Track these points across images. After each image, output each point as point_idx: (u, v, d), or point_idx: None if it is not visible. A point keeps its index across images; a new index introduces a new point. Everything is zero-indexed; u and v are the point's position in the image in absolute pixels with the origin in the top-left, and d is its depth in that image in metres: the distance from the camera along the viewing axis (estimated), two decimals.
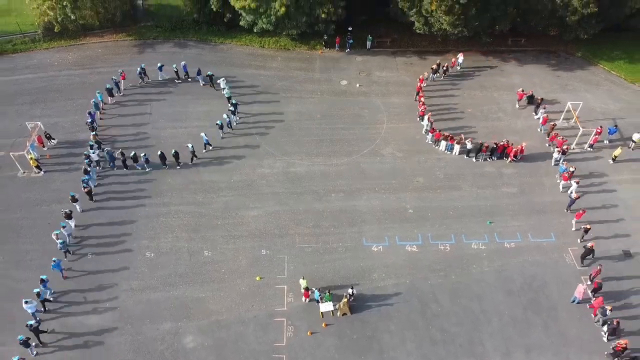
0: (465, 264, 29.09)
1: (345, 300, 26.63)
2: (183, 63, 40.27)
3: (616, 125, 35.91)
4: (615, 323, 25.19)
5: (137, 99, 39.34)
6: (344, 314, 26.72)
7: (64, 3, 40.67)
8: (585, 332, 26.11)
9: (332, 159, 35.10)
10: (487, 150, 34.32)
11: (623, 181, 33.41)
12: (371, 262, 29.16)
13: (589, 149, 35.37)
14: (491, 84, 41.12)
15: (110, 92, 38.43)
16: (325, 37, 43.71)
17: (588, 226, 29.32)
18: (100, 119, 37.36)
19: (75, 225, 30.69)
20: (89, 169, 32.75)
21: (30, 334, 25.21)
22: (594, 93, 40.02)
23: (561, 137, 34.59)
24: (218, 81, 38.94)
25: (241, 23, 42.94)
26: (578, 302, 27.08)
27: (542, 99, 37.75)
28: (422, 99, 37.54)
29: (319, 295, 26.70)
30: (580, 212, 30.25)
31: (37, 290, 26.53)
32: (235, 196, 32.70)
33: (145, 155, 33.51)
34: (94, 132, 35.13)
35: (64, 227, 29.65)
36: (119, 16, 45.21)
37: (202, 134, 34.98)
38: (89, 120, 35.86)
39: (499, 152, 34.46)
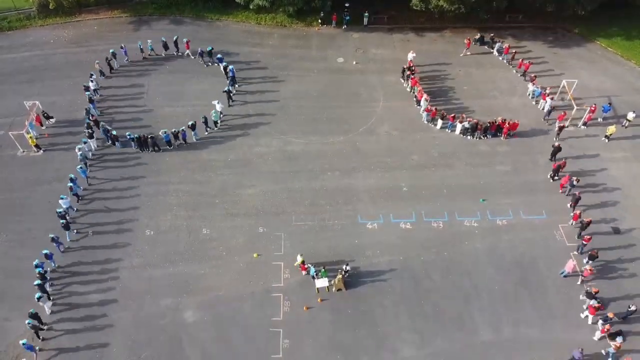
0: (457, 241, 29.78)
1: (340, 276, 27.40)
2: (175, 37, 40.47)
3: (610, 104, 36.16)
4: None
5: (135, 70, 39.61)
6: (339, 290, 27.54)
7: None
8: (571, 307, 26.98)
9: (328, 137, 35.46)
10: (481, 129, 34.63)
11: (615, 159, 33.87)
12: (366, 240, 29.85)
13: (583, 126, 35.71)
14: (487, 60, 41.17)
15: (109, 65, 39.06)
16: (322, 14, 43.50)
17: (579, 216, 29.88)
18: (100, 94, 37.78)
19: (78, 199, 31.45)
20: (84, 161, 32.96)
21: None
22: (589, 70, 40.12)
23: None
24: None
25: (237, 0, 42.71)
26: (565, 276, 27.89)
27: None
28: (419, 87, 37.39)
29: (315, 271, 27.47)
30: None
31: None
32: (233, 175, 33.19)
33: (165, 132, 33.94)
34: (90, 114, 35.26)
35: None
36: None
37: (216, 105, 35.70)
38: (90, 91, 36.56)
39: (493, 130, 34.81)
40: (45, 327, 26.26)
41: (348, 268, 27.65)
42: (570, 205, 30.69)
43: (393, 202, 31.67)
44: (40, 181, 32.78)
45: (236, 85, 38.07)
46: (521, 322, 26.50)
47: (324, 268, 27.49)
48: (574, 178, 31.15)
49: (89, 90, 36.01)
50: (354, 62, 40.99)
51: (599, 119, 35.96)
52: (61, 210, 29.73)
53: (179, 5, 45.72)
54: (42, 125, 35.62)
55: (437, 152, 34.55)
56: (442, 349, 25.67)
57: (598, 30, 43.51)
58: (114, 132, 34.07)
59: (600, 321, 25.57)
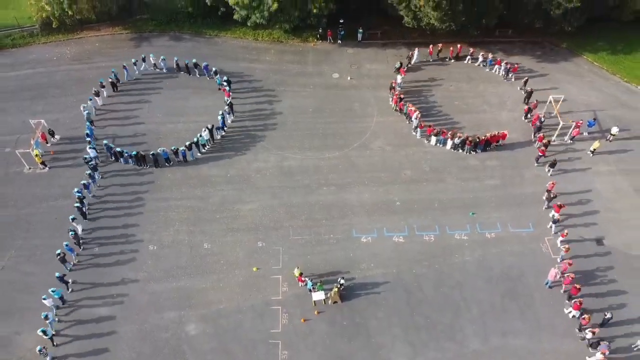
0: (448, 254, 31.12)
1: (335, 289, 28.68)
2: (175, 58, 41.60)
3: (595, 119, 37.53)
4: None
5: (136, 88, 40.89)
6: (335, 302, 28.83)
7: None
8: (557, 318, 28.33)
9: (324, 152, 36.75)
10: (471, 144, 35.96)
11: (600, 173, 35.22)
12: (360, 253, 31.15)
13: (569, 141, 37.08)
14: (478, 75, 42.53)
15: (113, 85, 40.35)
16: (320, 31, 44.80)
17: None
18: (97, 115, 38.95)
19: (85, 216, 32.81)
20: (93, 174, 34.39)
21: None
22: (576, 84, 41.51)
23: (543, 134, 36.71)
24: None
25: (235, 17, 43.89)
26: (550, 286, 29.30)
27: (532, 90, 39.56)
28: (408, 103, 38.56)
29: (312, 285, 28.75)
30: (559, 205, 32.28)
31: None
32: (232, 190, 34.45)
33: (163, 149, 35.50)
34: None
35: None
36: (115, 10, 45.99)
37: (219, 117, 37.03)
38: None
39: (482, 144, 36.16)
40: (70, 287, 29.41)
41: (342, 281, 28.94)
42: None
43: (386, 216, 32.98)
44: (46, 197, 33.98)
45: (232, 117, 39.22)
46: (509, 333, 27.84)
47: (320, 282, 28.77)
48: (542, 116, 36.17)
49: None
50: (349, 78, 42.31)
51: (584, 134, 37.32)
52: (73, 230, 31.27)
53: (178, 22, 46.95)
54: (47, 142, 36.79)
55: (429, 166, 35.88)
56: (434, 358, 26.99)
57: (585, 44, 44.91)
58: (118, 149, 35.23)
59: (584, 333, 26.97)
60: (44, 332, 26.79)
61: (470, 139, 35.96)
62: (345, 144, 37.33)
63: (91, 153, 35.01)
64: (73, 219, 31.58)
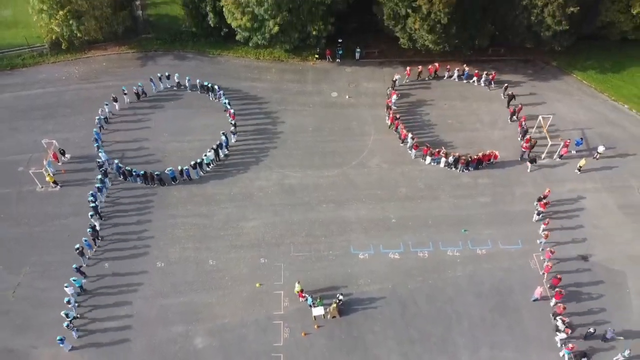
0: (441, 270, 32.80)
1: (334, 304, 30.35)
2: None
3: (582, 138, 39.23)
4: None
5: (143, 107, 42.60)
6: (334, 317, 30.51)
7: (70, 22, 43.12)
8: (543, 331, 30.02)
9: (323, 170, 38.43)
10: (464, 163, 37.63)
11: (586, 190, 36.94)
12: (358, 269, 32.83)
13: (558, 159, 38.76)
14: (471, 94, 44.21)
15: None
16: (319, 50, 46.51)
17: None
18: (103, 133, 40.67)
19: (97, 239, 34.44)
20: (104, 179, 36.58)
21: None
22: (565, 103, 43.21)
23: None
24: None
25: (237, 37, 45.58)
26: (535, 300, 31.04)
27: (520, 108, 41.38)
28: (401, 125, 40.24)
29: (312, 301, 30.43)
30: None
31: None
32: (236, 208, 36.12)
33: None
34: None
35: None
36: (121, 30, 47.61)
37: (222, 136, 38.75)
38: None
39: (474, 162, 37.83)
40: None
41: (341, 297, 30.60)
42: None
43: (383, 233, 34.65)
44: (58, 215, 35.64)
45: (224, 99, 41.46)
46: (497, 345, 29.53)
47: (319, 298, 30.44)
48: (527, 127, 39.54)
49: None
50: (347, 97, 44.00)
51: (572, 152, 38.99)
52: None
53: (182, 41, 48.65)
54: (58, 161, 38.43)
55: (423, 184, 37.55)
56: None
57: (575, 63, 46.60)
58: (128, 168, 36.87)
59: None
60: (67, 314, 29.59)
61: (463, 158, 37.62)
62: (343, 162, 39.01)
63: (102, 157, 37.12)
64: (92, 215, 34.09)
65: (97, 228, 34.31)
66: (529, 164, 37.78)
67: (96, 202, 34.91)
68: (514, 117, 41.13)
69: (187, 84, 43.67)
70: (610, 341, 29.02)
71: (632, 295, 31.35)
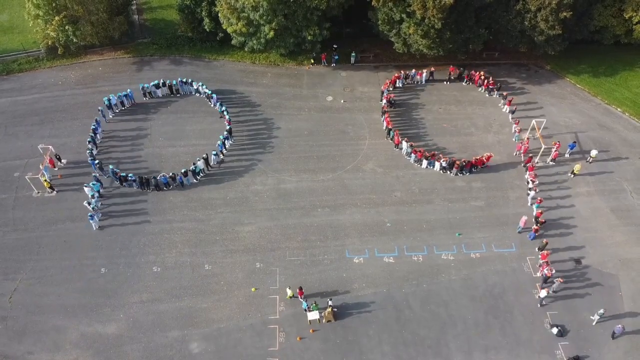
0: (435, 273, 33.06)
1: (329, 309, 30.58)
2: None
3: (575, 142, 39.56)
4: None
5: (138, 111, 42.79)
6: (329, 321, 30.73)
7: (66, 27, 43.28)
8: (536, 334, 30.31)
9: (318, 175, 38.66)
10: (458, 167, 37.92)
11: (579, 193, 37.26)
12: (353, 273, 33.06)
13: (551, 162, 39.08)
14: (466, 98, 44.52)
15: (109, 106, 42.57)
16: (314, 55, 46.75)
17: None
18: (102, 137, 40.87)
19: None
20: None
21: None
22: (558, 106, 43.56)
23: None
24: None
25: (233, 42, 45.83)
26: (520, 231, 33.96)
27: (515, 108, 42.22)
28: (396, 131, 40.50)
29: (307, 305, 30.65)
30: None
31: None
32: (231, 212, 36.31)
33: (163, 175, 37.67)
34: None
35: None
36: (117, 34, 47.75)
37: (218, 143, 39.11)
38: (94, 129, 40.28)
39: (468, 167, 38.12)
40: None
41: (331, 303, 30.84)
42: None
43: (377, 237, 34.89)
44: (55, 220, 35.77)
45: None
46: (491, 348, 29.79)
47: (314, 303, 30.66)
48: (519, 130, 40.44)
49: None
50: (342, 101, 44.26)
51: (565, 155, 39.32)
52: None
53: (178, 46, 48.84)
54: (54, 166, 38.59)
55: (418, 188, 37.82)
56: None
57: (568, 66, 46.99)
58: (123, 174, 37.05)
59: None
60: (89, 203, 35.20)
61: (457, 162, 37.90)
62: (338, 166, 39.25)
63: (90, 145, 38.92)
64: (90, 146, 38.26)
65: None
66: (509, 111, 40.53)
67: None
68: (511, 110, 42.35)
69: (205, 91, 43.59)
70: (619, 337, 29.49)
71: (625, 298, 31.65)
